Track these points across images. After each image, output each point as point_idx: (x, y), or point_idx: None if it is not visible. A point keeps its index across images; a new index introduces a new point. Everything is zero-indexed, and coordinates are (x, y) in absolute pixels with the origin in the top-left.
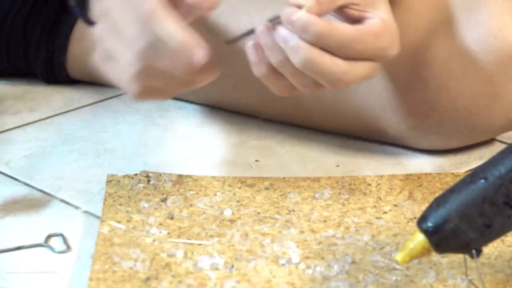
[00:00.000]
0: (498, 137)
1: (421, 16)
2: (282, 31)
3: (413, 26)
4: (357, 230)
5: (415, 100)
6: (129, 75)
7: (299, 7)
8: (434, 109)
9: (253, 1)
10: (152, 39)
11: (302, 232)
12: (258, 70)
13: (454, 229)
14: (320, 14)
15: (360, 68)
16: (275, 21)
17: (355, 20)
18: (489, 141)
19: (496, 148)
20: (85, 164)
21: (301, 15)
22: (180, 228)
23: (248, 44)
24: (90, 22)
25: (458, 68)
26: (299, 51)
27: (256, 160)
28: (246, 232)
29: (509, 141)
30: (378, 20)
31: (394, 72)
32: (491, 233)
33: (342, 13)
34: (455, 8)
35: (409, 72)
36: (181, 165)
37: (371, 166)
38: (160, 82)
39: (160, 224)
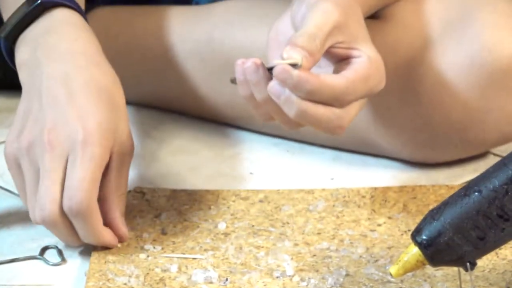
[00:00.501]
0: (492, 150)
1: (414, 32)
2: (274, 86)
3: (405, 41)
4: (351, 243)
5: (409, 114)
6: None
7: (291, 63)
8: (427, 123)
9: (248, 16)
10: None
11: (296, 244)
12: (242, 90)
13: (448, 242)
14: (312, 65)
15: (353, 109)
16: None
17: (342, 59)
18: (484, 154)
19: (490, 161)
20: None
21: (292, 74)
22: (174, 243)
23: (237, 62)
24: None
25: (451, 82)
26: (292, 106)
27: (250, 173)
28: (241, 245)
29: (503, 154)
30: (365, 59)
31: (387, 87)
32: (485, 246)
33: (328, 53)
34: (448, 22)
35: (402, 87)
36: (175, 178)
37: (365, 178)
38: None
39: (154, 240)
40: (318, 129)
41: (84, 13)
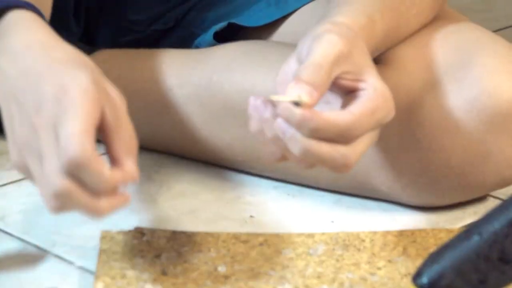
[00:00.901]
0: (492, 193)
1: (413, 76)
2: (279, 123)
3: (405, 86)
4: (351, 286)
5: (408, 159)
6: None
7: (295, 102)
8: (427, 168)
9: (247, 60)
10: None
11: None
12: (253, 126)
13: (449, 285)
14: (317, 98)
15: (360, 145)
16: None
17: (349, 91)
18: (484, 197)
19: (490, 204)
20: (80, 220)
21: (295, 113)
22: (174, 284)
23: (251, 99)
24: None
25: (451, 127)
26: (297, 144)
27: (251, 216)
28: None
29: (503, 197)
30: (371, 91)
31: (387, 131)
32: None
33: (335, 85)
34: (448, 66)
35: (401, 131)
36: (175, 221)
37: (365, 222)
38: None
39: (155, 280)
40: (325, 167)
41: (37, 10)
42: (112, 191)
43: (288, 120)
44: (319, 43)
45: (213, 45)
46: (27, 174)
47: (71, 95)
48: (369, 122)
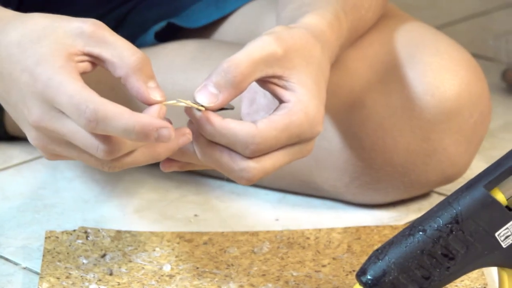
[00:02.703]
0: (436, 189)
1: (356, 76)
2: (190, 124)
3: (347, 85)
4: (296, 284)
5: (350, 157)
6: (31, 140)
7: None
8: (369, 166)
9: (190, 59)
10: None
11: (241, 286)
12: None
13: (393, 282)
14: (221, 103)
15: (268, 161)
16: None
17: (281, 100)
18: (427, 193)
19: (434, 200)
20: (24, 221)
21: (196, 114)
22: (119, 284)
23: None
24: None
25: (393, 126)
26: (199, 147)
27: (195, 215)
28: (185, 287)
29: (447, 193)
30: (293, 105)
31: (329, 130)
32: (430, 285)
33: (264, 87)
34: (391, 65)
35: (344, 130)
36: (120, 221)
37: (310, 219)
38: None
39: (99, 280)
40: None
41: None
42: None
43: (193, 122)
44: (251, 42)
45: (154, 45)
46: (59, 151)
47: (42, 77)
48: (279, 139)
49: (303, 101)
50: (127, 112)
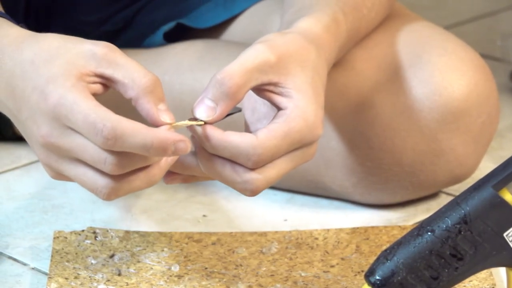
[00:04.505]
0: (444, 190)
1: (363, 76)
2: (193, 139)
3: (355, 86)
4: (305, 284)
5: (359, 157)
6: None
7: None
8: (377, 166)
9: (198, 59)
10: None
11: (250, 286)
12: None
13: (401, 282)
14: (220, 116)
15: (271, 171)
16: None
17: (275, 106)
18: (436, 194)
19: (442, 201)
20: (32, 221)
21: (196, 129)
22: (127, 284)
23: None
24: None
25: (401, 126)
26: (202, 160)
27: (204, 215)
28: (194, 287)
29: (455, 193)
30: (290, 112)
31: (337, 130)
32: (438, 285)
33: (260, 94)
34: (399, 66)
35: (352, 130)
36: (128, 221)
37: (318, 220)
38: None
39: (108, 280)
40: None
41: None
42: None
43: (195, 137)
44: (245, 50)
45: (163, 45)
46: (65, 179)
47: (54, 95)
48: (280, 147)
49: (300, 106)
50: (144, 128)
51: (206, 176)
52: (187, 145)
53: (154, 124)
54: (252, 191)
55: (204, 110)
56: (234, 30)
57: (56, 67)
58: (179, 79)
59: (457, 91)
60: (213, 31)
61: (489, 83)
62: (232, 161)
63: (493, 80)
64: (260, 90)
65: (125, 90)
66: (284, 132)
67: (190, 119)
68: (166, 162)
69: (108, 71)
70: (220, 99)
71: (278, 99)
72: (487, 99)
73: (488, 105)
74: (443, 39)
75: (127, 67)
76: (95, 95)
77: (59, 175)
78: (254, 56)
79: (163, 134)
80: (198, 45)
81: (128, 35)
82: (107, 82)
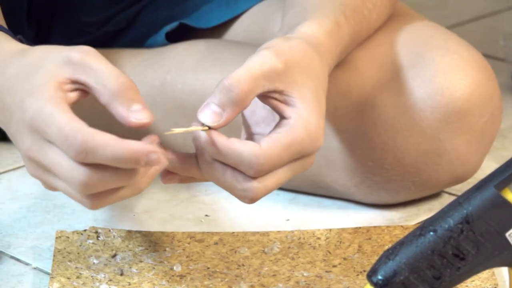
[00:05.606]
0: (446, 189)
1: (366, 76)
2: (194, 141)
3: (357, 86)
4: (307, 284)
5: (361, 157)
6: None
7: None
8: (380, 166)
9: (200, 59)
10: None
11: (252, 286)
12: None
13: (404, 282)
14: (226, 121)
15: (271, 180)
16: None
17: (279, 113)
18: (438, 193)
19: (445, 200)
20: (34, 221)
21: (200, 134)
22: (130, 284)
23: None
24: None
25: (404, 126)
26: (203, 164)
27: (206, 215)
28: (196, 287)
29: (457, 193)
30: (294, 122)
31: (339, 130)
32: (441, 285)
33: (265, 101)
34: (401, 66)
35: (354, 130)
36: (130, 221)
37: (321, 219)
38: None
39: (110, 280)
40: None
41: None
42: (134, 153)
43: (198, 140)
44: (252, 57)
45: (165, 45)
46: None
47: (32, 108)
48: (282, 157)
49: (304, 117)
50: (115, 140)
51: (204, 178)
52: (159, 157)
53: (128, 126)
54: (251, 199)
55: (209, 115)
56: (236, 30)
57: (37, 79)
58: (181, 78)
59: (459, 91)
60: (215, 31)
61: (491, 83)
62: (233, 168)
63: (496, 80)
64: (265, 96)
65: (98, 95)
66: (287, 143)
67: (193, 124)
68: (154, 171)
69: (82, 77)
70: (226, 105)
71: (282, 107)
72: (489, 99)
73: (491, 105)
74: (446, 39)
75: (100, 72)
76: (77, 101)
77: (50, 187)
78: (262, 62)
79: (134, 145)
80: (200, 44)
81: (130, 35)
82: (85, 88)
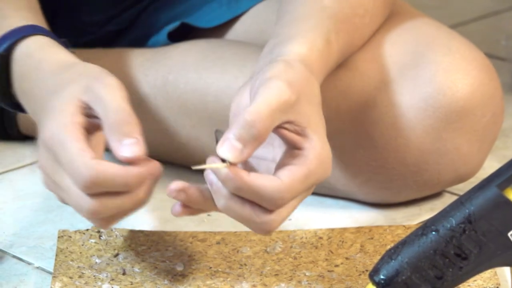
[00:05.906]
0: (448, 189)
1: (367, 76)
2: (207, 174)
3: (358, 86)
4: (309, 284)
5: (363, 158)
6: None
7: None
8: (382, 166)
9: (202, 59)
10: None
11: (254, 286)
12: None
13: (406, 281)
14: (247, 156)
15: (285, 210)
16: (218, 133)
17: (291, 145)
18: (440, 193)
19: (447, 200)
20: (37, 220)
21: (220, 170)
22: (132, 283)
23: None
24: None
25: (406, 126)
26: (220, 198)
27: (208, 215)
28: (198, 287)
29: (459, 193)
30: (309, 153)
31: (341, 130)
32: (443, 285)
33: (279, 134)
34: (402, 65)
35: (356, 131)
36: (133, 220)
37: (323, 219)
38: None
39: (112, 279)
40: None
41: (46, 30)
42: (140, 177)
43: (216, 174)
44: (265, 88)
45: (167, 45)
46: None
47: (48, 130)
48: (299, 189)
49: (317, 148)
50: (121, 170)
51: (215, 208)
52: (158, 168)
53: (119, 159)
54: (267, 232)
55: (230, 151)
56: (237, 30)
57: (60, 98)
58: (183, 78)
59: (461, 90)
60: (217, 31)
61: (493, 83)
62: (252, 202)
63: (498, 80)
64: (276, 127)
65: (102, 125)
66: (304, 175)
67: (211, 158)
68: (150, 184)
69: (94, 106)
70: (248, 141)
71: (294, 137)
72: (491, 98)
73: (493, 105)
74: (448, 38)
75: (105, 103)
76: (95, 127)
77: (63, 202)
78: (278, 95)
79: (136, 170)
80: (202, 44)
81: (132, 35)
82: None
